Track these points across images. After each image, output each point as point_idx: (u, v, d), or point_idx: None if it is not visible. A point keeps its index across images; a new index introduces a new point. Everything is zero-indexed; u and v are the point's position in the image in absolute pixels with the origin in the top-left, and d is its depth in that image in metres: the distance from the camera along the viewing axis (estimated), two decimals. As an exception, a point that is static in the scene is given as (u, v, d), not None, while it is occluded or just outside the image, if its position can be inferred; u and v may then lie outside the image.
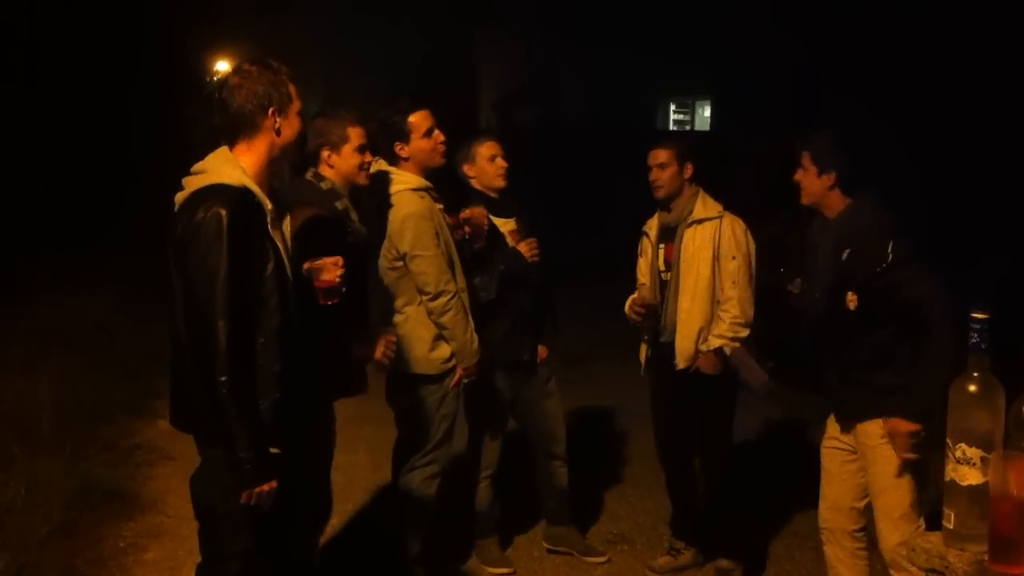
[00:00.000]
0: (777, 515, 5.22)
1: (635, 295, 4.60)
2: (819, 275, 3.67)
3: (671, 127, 26.06)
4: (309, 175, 3.74)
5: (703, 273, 4.38)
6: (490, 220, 4.44)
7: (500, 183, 4.47)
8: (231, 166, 2.87)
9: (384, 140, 4.06)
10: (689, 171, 4.46)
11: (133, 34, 15.71)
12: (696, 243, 4.40)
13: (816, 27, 17.67)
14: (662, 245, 4.54)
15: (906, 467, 3.48)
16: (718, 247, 4.37)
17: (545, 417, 4.68)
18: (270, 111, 2.91)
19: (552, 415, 4.69)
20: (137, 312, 8.36)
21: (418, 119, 4.07)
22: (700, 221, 4.41)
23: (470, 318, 4.13)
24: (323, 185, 3.69)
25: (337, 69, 22.40)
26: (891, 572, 3.55)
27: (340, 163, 3.73)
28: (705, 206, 4.44)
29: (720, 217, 4.41)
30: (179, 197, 2.89)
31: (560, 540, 4.81)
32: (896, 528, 3.49)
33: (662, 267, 4.54)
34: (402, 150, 4.08)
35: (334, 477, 3.93)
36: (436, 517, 4.31)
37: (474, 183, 4.48)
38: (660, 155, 4.44)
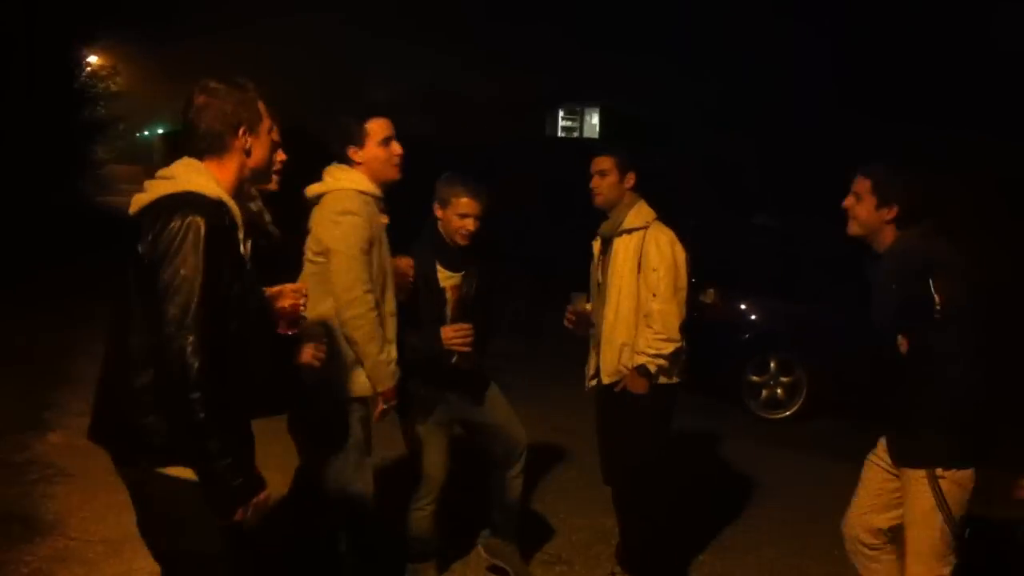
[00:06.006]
0: (715, 530, 5.22)
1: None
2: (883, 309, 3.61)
3: (559, 134, 26.22)
4: None
5: (626, 285, 4.29)
6: (433, 276, 4.18)
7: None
8: (204, 176, 2.68)
9: (338, 141, 3.84)
10: (631, 181, 4.38)
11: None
12: (623, 254, 4.32)
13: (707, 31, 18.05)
14: (603, 256, 4.46)
15: (941, 506, 3.47)
16: (642, 258, 4.28)
17: (488, 428, 4.42)
18: (240, 131, 2.74)
19: (491, 426, 4.41)
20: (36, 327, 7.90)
21: (375, 126, 3.83)
22: (629, 231, 4.33)
23: (388, 338, 3.80)
24: None
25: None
26: None
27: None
28: (636, 216, 4.34)
29: (646, 228, 4.31)
30: (140, 199, 2.66)
31: (498, 553, 4.61)
32: (920, 561, 3.51)
33: (599, 278, 4.46)
34: (355, 154, 3.82)
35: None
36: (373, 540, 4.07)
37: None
38: (602, 162, 4.36)
